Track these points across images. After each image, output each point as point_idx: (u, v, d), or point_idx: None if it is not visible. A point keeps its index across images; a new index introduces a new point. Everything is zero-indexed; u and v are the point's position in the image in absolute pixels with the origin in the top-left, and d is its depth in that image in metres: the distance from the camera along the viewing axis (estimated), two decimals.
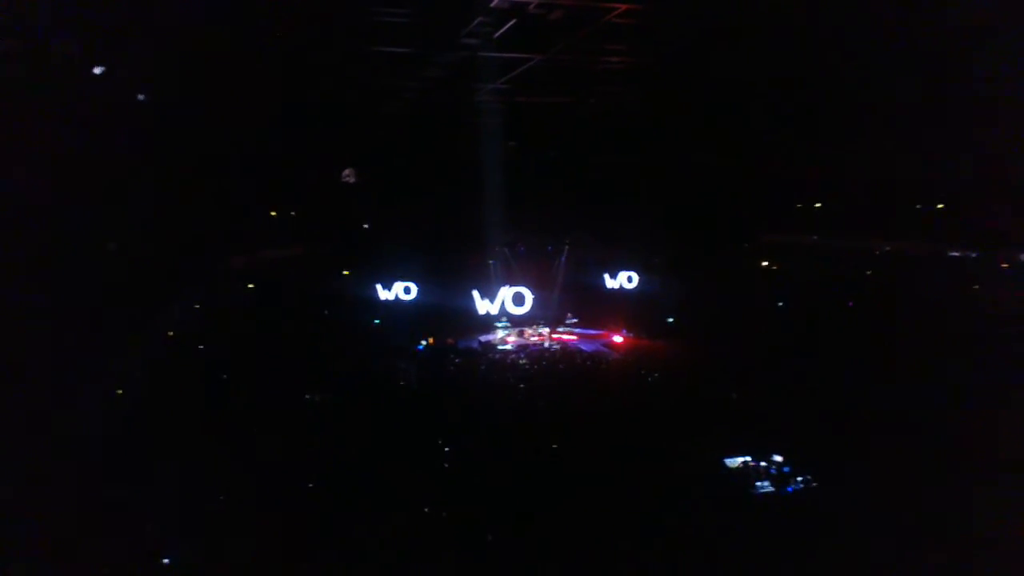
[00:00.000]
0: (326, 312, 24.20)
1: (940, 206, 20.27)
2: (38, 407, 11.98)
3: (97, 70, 12.61)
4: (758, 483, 12.66)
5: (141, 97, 14.36)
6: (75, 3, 10.61)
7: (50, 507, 10.09)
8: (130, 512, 10.46)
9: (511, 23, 12.47)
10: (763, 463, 13.03)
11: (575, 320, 27.41)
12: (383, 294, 25.74)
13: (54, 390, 12.54)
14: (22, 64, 11.06)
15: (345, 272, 25.88)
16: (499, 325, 26.64)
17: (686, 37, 13.56)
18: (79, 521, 9.94)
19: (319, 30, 13.09)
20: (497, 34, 13.06)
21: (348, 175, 24.27)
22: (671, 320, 26.35)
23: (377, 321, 25.29)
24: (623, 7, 11.63)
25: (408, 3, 11.79)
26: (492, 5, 11.60)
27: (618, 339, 26.25)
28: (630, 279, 28.03)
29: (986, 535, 9.86)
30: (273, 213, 23.98)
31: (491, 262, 27.44)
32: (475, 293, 26.79)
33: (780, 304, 23.73)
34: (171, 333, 19.03)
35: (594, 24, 12.55)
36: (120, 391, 15.47)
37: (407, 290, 25.92)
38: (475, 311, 26.77)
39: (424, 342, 24.24)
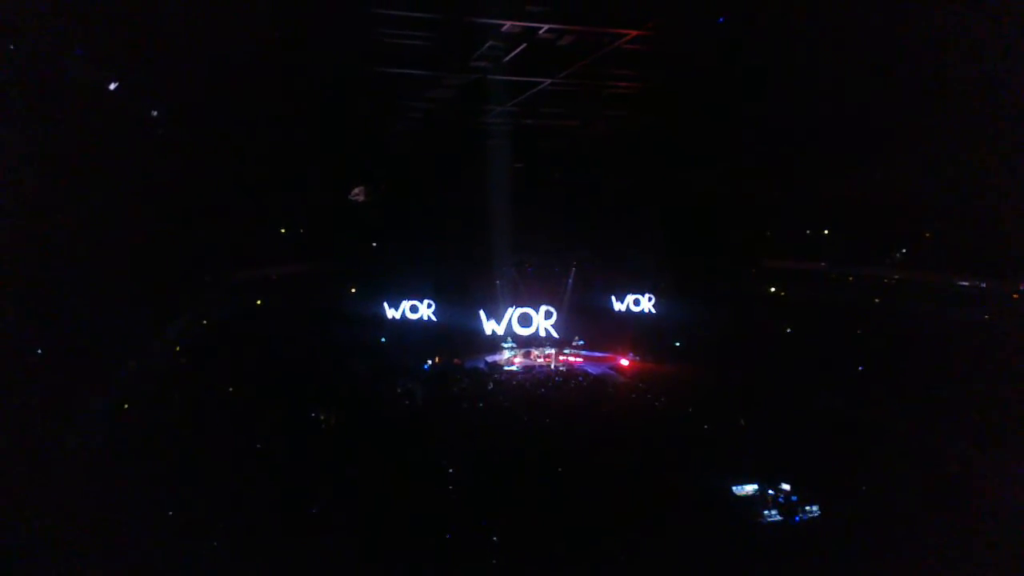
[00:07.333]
0: (333, 330, 24.19)
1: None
2: (40, 422, 11.95)
3: (112, 86, 12.78)
4: (766, 512, 12.45)
5: (154, 113, 14.53)
6: (91, 20, 10.78)
7: (52, 525, 10.02)
8: (133, 530, 10.36)
9: (521, 47, 12.60)
10: (771, 491, 12.82)
11: (582, 342, 27.28)
12: (390, 313, 25.75)
13: (57, 405, 12.51)
14: (33, 74, 11.21)
15: (352, 290, 25.91)
16: (505, 346, 26.55)
17: (696, 64, 13.65)
18: (82, 539, 9.85)
19: (332, 50, 13.26)
20: (507, 58, 13.19)
21: (357, 193, 24.43)
22: (678, 344, 26.20)
23: (383, 340, 25.24)
24: (633, 33, 11.73)
25: (420, 26, 11.94)
26: (503, 30, 11.73)
27: (625, 362, 26.08)
28: (637, 302, 27.93)
29: (994, 564, 9.66)
30: (283, 230, 24.12)
31: (498, 282, 27.42)
32: (482, 313, 26.78)
33: (788, 330, 23.57)
34: (177, 348, 19.05)
35: (604, 50, 12.66)
36: (125, 406, 15.47)
37: (414, 308, 25.94)
38: (482, 331, 26.75)
39: (430, 361, 24.16)
